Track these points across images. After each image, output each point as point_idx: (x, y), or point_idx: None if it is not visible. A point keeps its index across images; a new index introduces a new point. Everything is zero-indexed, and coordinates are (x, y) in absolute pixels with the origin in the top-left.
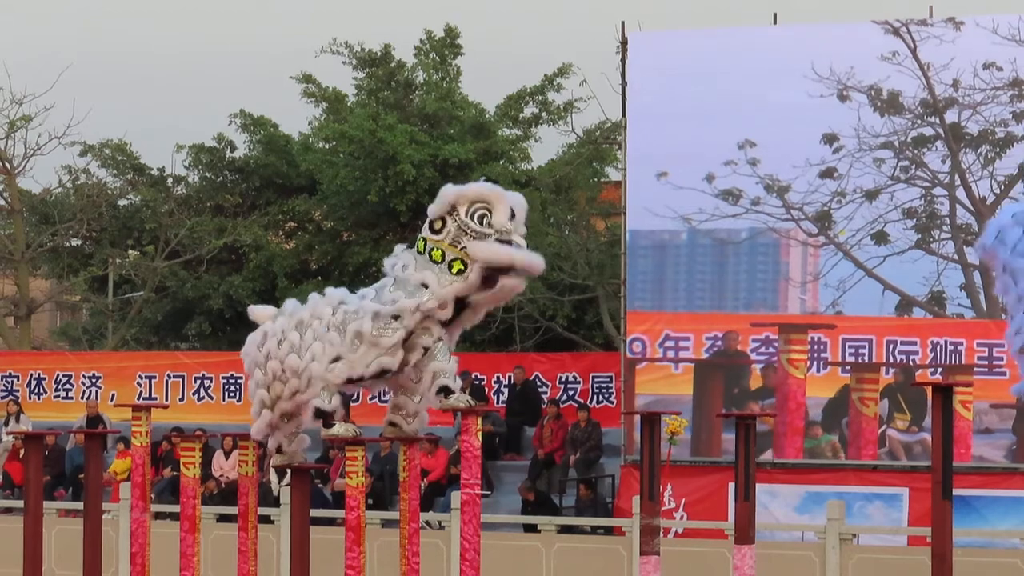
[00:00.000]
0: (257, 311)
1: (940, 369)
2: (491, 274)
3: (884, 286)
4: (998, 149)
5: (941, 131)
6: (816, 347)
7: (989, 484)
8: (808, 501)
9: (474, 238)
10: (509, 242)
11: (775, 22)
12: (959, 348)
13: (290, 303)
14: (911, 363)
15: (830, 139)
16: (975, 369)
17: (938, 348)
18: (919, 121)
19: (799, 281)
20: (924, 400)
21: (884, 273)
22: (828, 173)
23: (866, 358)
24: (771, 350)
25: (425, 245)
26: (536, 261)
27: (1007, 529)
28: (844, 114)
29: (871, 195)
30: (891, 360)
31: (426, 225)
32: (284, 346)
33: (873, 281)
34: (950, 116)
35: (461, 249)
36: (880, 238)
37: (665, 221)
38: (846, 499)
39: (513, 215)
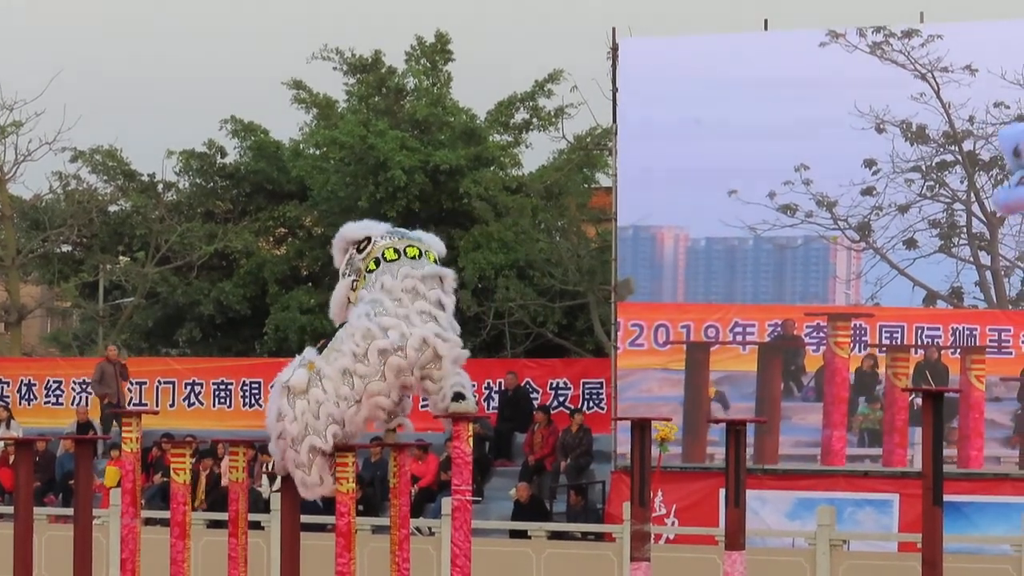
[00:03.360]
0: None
1: (959, 350)
2: None
3: (913, 283)
4: (1006, 172)
5: (959, 157)
6: (857, 332)
7: (980, 490)
8: (799, 507)
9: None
10: None
11: (766, 28)
12: (974, 333)
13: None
14: (935, 345)
15: (870, 163)
16: (987, 350)
17: (957, 333)
18: (942, 149)
19: (844, 279)
20: (946, 374)
21: (913, 272)
22: (868, 191)
23: (899, 341)
24: (821, 335)
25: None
26: None
27: (998, 535)
28: (881, 143)
29: (903, 209)
30: (919, 342)
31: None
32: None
33: (904, 279)
34: (967, 145)
35: None
36: (910, 244)
37: (734, 230)
38: (836, 505)
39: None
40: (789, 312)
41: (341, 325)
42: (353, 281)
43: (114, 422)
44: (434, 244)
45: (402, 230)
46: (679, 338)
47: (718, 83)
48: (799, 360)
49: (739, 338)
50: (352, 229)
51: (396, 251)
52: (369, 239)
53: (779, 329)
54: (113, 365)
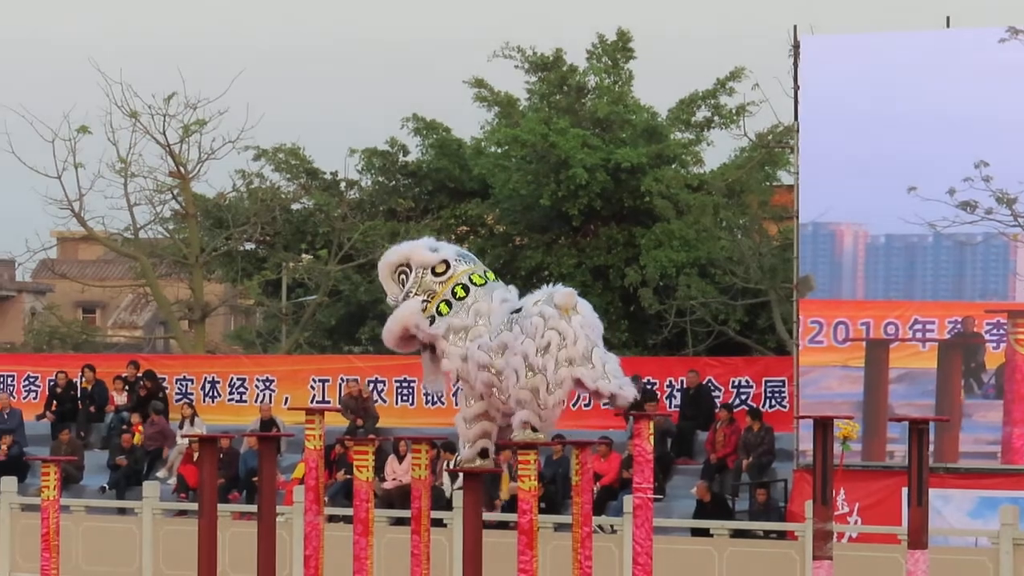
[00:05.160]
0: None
1: None
2: None
3: None
4: None
5: None
6: None
7: None
8: (982, 506)
9: None
10: None
11: (948, 25)
12: None
13: None
14: None
15: None
16: None
17: None
18: None
19: None
20: None
21: None
22: None
23: None
24: (1001, 332)
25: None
26: None
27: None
28: None
29: None
30: None
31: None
32: None
33: None
34: None
35: None
36: None
37: (914, 227)
38: (1020, 504)
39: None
40: (969, 309)
41: None
42: (424, 302)
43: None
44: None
45: (466, 252)
46: (859, 335)
47: (899, 81)
48: (979, 357)
49: (919, 335)
50: (416, 253)
51: (481, 276)
52: (447, 263)
53: (959, 326)
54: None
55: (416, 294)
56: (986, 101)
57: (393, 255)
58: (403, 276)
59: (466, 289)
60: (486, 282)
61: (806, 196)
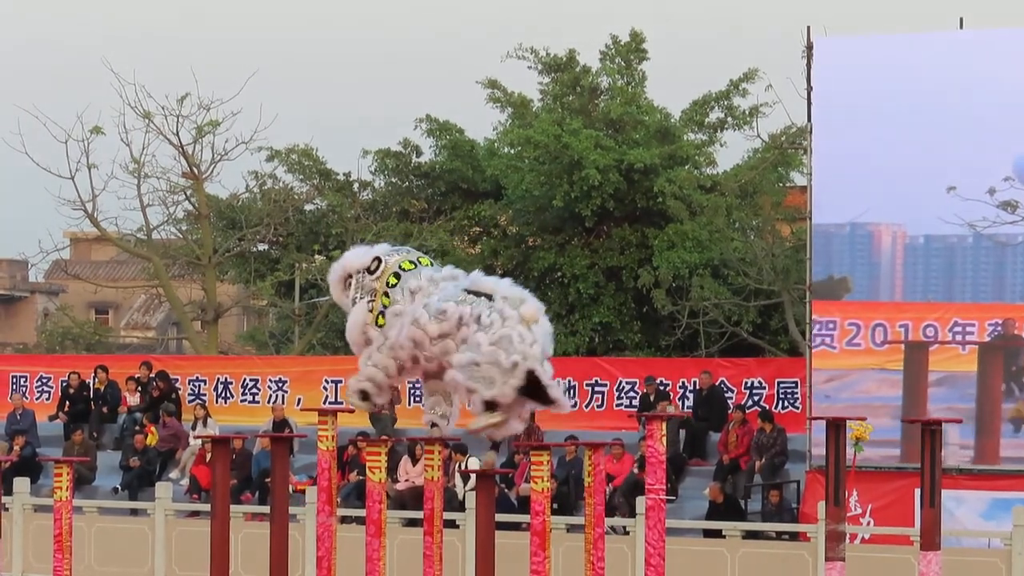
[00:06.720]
0: None
1: None
2: None
3: None
4: None
5: None
6: None
7: None
8: (995, 507)
9: None
10: None
11: (961, 26)
12: None
13: None
14: None
15: None
16: None
17: None
18: None
19: None
20: None
21: None
22: None
23: None
24: None
25: None
26: None
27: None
28: None
29: None
30: None
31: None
32: None
33: None
34: None
35: None
36: None
37: (954, 227)
38: None
39: None
40: (1010, 311)
41: None
42: (370, 302)
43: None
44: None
45: (400, 246)
46: (897, 337)
47: (914, 82)
48: (1020, 360)
49: (959, 337)
50: (349, 260)
51: (411, 262)
52: (379, 259)
53: (999, 328)
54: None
55: (361, 297)
56: (1011, 99)
57: (333, 273)
58: (348, 284)
59: (397, 276)
60: (416, 266)
61: (820, 195)
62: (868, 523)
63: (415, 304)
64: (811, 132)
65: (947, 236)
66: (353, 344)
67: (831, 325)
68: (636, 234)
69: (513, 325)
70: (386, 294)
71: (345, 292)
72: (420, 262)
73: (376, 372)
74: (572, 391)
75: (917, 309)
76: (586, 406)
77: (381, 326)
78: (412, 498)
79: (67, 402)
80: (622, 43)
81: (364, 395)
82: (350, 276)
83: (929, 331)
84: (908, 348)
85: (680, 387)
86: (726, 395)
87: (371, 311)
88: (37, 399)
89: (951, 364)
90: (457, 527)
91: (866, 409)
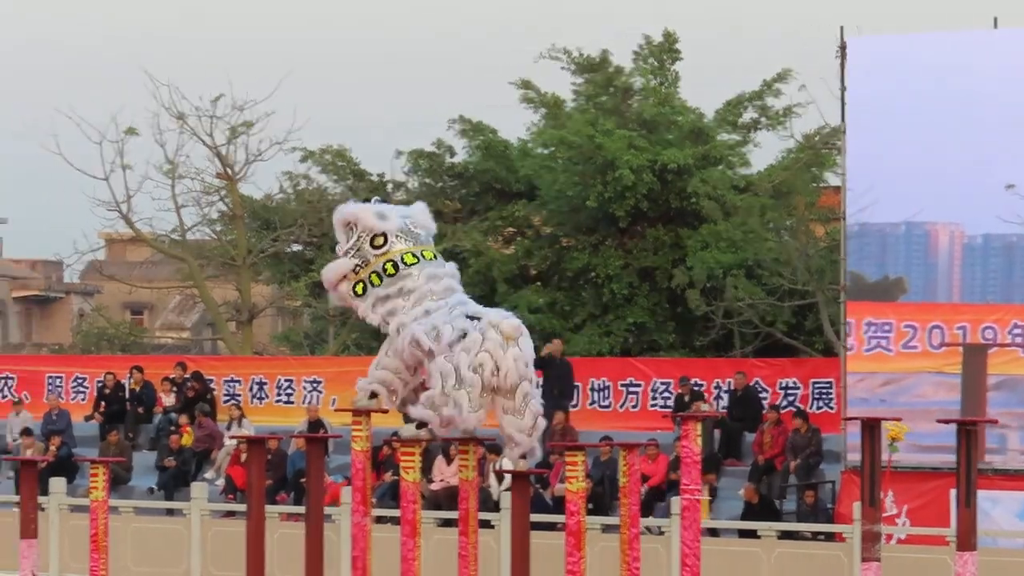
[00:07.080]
0: None
1: None
2: None
3: None
4: None
5: None
6: None
7: None
8: None
9: None
10: None
11: (995, 26)
12: None
13: None
14: None
15: None
16: None
17: None
18: None
19: None
20: None
21: None
22: None
23: None
24: None
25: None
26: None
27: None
28: None
29: None
30: None
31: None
32: None
33: None
34: None
35: None
36: None
37: (1012, 226)
38: None
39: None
40: None
41: None
42: (357, 266)
43: None
44: (429, 223)
45: (411, 228)
46: (955, 340)
47: (949, 80)
48: None
49: (1019, 340)
50: (362, 216)
51: (415, 256)
52: (386, 237)
53: None
54: None
55: (353, 256)
56: None
57: (345, 211)
58: (349, 232)
59: (396, 267)
60: (418, 261)
61: (852, 195)
62: (904, 523)
63: (417, 324)
64: (844, 132)
65: (1006, 235)
66: (326, 282)
67: (887, 327)
68: (670, 234)
69: (493, 348)
70: (377, 275)
71: (344, 233)
72: (424, 255)
73: (392, 378)
74: (607, 391)
75: (975, 311)
76: (621, 407)
77: (359, 295)
78: (447, 498)
79: (103, 402)
80: (655, 43)
81: (375, 394)
82: (353, 224)
83: (988, 333)
84: (966, 351)
85: (715, 387)
86: (760, 395)
87: (356, 272)
88: (73, 399)
89: (1011, 367)
90: (492, 527)
91: (924, 414)
